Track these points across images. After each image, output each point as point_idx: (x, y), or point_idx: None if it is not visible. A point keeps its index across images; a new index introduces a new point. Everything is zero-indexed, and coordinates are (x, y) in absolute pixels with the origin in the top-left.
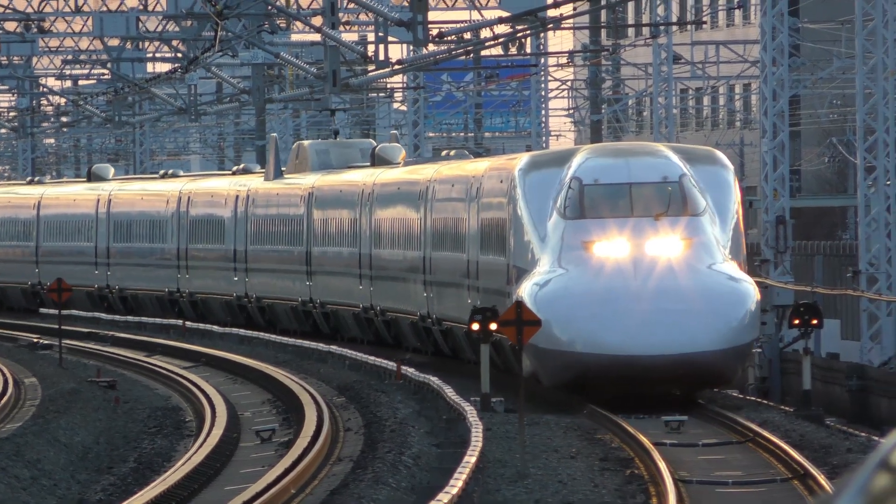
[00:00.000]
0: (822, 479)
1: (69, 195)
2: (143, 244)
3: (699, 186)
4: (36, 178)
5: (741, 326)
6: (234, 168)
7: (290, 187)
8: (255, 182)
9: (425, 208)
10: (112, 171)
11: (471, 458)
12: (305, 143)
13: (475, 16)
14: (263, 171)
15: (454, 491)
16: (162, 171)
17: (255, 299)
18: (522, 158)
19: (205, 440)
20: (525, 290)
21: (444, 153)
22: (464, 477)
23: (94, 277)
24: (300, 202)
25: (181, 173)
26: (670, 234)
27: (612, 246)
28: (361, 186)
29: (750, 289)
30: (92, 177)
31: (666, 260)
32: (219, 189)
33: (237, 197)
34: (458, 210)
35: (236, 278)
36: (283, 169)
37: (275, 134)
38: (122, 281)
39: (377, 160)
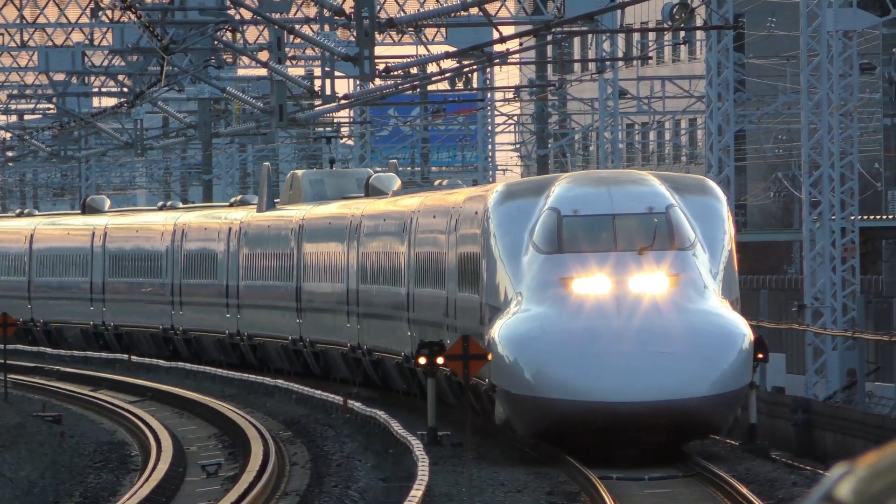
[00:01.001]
0: None
1: (63, 228)
2: (138, 279)
3: (688, 218)
4: (26, 210)
5: (732, 371)
6: (232, 199)
7: (281, 220)
8: (246, 214)
9: (409, 241)
10: (108, 202)
11: (417, 493)
12: (299, 172)
13: (422, 51)
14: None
15: None
16: (160, 203)
17: (248, 337)
18: (497, 187)
19: (150, 475)
20: (497, 331)
21: (436, 183)
22: None
23: (90, 314)
24: (290, 235)
25: (180, 205)
26: (656, 270)
27: (592, 283)
28: (349, 218)
29: (742, 330)
30: (87, 209)
31: (651, 298)
32: (212, 222)
33: (230, 230)
34: (439, 243)
35: (229, 315)
36: (276, 200)
37: (267, 163)
38: (118, 318)
39: (371, 190)
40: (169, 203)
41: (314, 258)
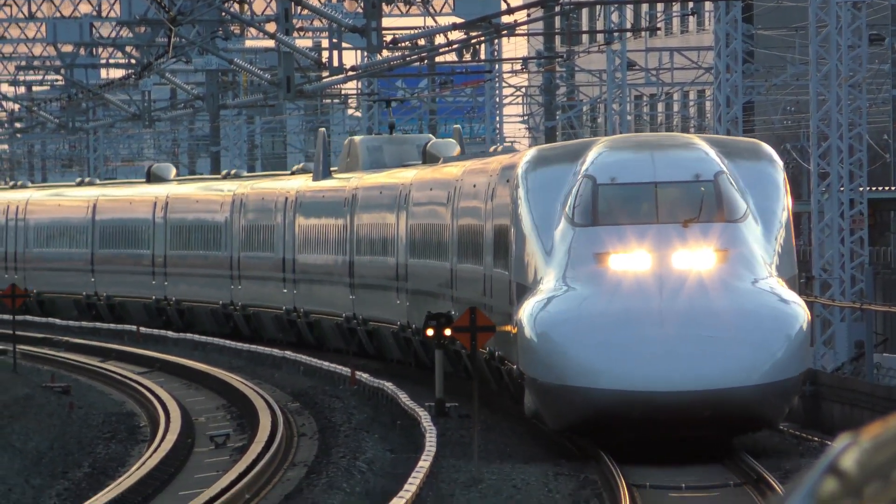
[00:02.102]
0: (774, 484)
1: (125, 198)
2: (199, 251)
3: (739, 187)
4: (87, 179)
5: (787, 357)
6: (294, 168)
7: (334, 189)
8: (302, 183)
9: (452, 212)
10: (174, 171)
11: (424, 464)
12: (357, 138)
13: (429, 22)
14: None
15: (408, 496)
16: (225, 171)
17: (304, 314)
18: (527, 153)
19: (159, 445)
20: (525, 312)
21: (492, 149)
22: (417, 482)
23: (152, 288)
24: (343, 205)
25: (244, 173)
26: (702, 245)
27: (630, 259)
28: (399, 188)
29: (798, 311)
30: (151, 177)
31: (696, 276)
32: (269, 191)
33: (286, 200)
34: (478, 215)
35: (285, 290)
36: (333, 168)
37: (323, 129)
38: (180, 292)
39: (428, 157)
40: (233, 171)
41: (366, 230)
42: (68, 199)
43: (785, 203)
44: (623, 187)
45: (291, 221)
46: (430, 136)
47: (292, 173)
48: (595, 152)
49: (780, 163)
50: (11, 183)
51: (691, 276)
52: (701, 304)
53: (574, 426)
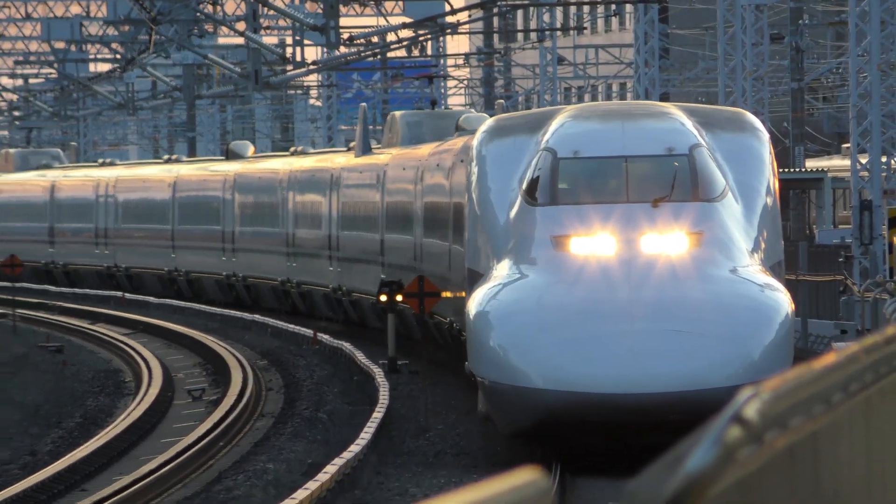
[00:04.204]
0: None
1: (201, 175)
2: (262, 229)
3: (718, 161)
4: (174, 157)
5: (767, 354)
6: (351, 144)
7: (370, 165)
8: (345, 160)
9: (450, 189)
10: (252, 148)
11: (379, 415)
12: (397, 113)
13: (382, 21)
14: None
15: (363, 443)
16: (293, 148)
17: (347, 293)
18: (485, 123)
19: (142, 398)
20: (473, 303)
21: None
22: (372, 431)
23: (222, 265)
24: (376, 182)
25: (311, 150)
26: (673, 227)
27: (593, 242)
28: (418, 164)
29: (781, 303)
30: (230, 154)
31: (666, 262)
32: (319, 167)
33: (331, 176)
34: (461, 192)
35: (331, 268)
36: (375, 145)
37: (364, 104)
38: (246, 269)
39: (459, 132)
40: (300, 148)
41: (393, 208)
42: (152, 176)
43: (770, 180)
44: (586, 162)
45: (336, 198)
46: (471, 109)
47: (348, 149)
48: (558, 122)
49: (765, 134)
50: (101, 161)
51: (660, 263)
52: (671, 294)
53: (527, 432)
